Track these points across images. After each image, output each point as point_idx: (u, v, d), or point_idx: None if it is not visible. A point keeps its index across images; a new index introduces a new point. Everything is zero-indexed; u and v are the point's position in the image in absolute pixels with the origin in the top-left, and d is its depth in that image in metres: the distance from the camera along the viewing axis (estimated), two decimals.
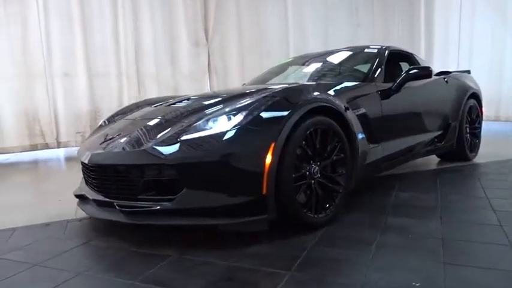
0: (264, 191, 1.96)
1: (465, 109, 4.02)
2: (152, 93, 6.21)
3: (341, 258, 1.84)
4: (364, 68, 3.31)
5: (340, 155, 2.37)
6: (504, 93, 6.88)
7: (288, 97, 2.19)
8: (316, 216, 2.19)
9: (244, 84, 4.28)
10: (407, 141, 3.26)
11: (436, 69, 4.11)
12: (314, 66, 3.79)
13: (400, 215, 2.44)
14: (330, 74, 3.56)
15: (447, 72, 4.17)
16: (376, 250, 1.90)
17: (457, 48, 7.54)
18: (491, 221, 2.27)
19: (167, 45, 6.74)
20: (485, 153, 4.34)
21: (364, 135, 2.68)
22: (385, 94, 3.00)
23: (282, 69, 4.10)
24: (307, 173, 2.19)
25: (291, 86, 2.42)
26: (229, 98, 2.48)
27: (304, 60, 3.99)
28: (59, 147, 5.84)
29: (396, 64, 3.89)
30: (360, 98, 2.77)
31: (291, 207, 2.06)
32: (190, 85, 6.84)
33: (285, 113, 2.08)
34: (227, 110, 2.15)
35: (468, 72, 4.72)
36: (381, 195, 2.93)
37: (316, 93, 2.37)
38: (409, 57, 3.92)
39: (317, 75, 3.56)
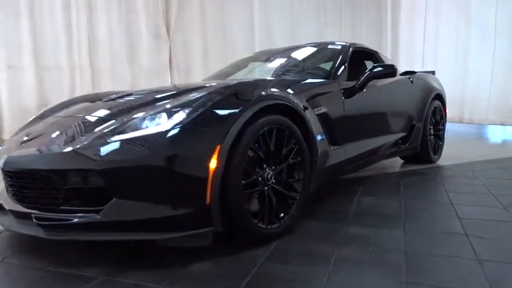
0: (208, 200, 1.71)
1: (429, 110, 3.92)
2: (107, 89, 5.81)
3: (294, 277, 1.61)
4: (327, 65, 3.12)
5: (298, 158, 2.16)
6: (468, 95, 6.92)
7: (239, 93, 1.95)
8: (269, 227, 1.96)
9: (204, 79, 4.01)
10: (372, 143, 3.10)
11: (401, 69, 3.98)
12: (276, 62, 3.56)
13: (361, 224, 2.25)
14: (292, 70, 3.34)
15: (412, 72, 4.05)
16: (333, 267, 1.69)
17: (422, 48, 7.53)
18: (456, 230, 2.11)
19: (125, 39, 6.35)
20: (448, 155, 4.26)
21: (324, 137, 2.48)
22: (348, 93, 2.81)
23: (243, 64, 3.86)
24: (260, 178, 1.96)
25: (243, 80, 2.18)
26: (176, 93, 2.21)
27: (267, 55, 3.77)
28: (1, 145, 5.35)
29: (361, 62, 3.73)
30: (321, 96, 2.57)
31: (240, 217, 1.82)
32: (150, 81, 6.48)
33: (235, 111, 1.84)
34: (168, 106, 1.89)
35: (433, 73, 4.64)
36: (342, 201, 2.74)
37: (272, 90, 2.13)
38: (373, 56, 3.77)
39: (278, 71, 3.34)
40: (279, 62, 3.55)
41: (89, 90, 5.83)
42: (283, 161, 2.09)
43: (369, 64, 3.79)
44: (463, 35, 7.00)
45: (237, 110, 1.84)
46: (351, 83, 2.91)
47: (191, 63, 7.09)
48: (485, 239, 1.97)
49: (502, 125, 6.74)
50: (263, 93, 2.03)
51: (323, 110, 2.51)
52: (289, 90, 2.31)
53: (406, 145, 3.63)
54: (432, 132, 4.03)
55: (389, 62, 3.73)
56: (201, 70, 7.02)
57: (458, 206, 2.54)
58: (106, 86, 5.99)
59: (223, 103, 1.86)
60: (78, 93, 5.72)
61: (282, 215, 2.05)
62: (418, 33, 7.68)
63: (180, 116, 1.77)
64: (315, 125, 2.35)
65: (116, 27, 6.23)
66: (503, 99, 6.62)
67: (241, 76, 3.61)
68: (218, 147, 1.73)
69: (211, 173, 1.70)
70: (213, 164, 1.70)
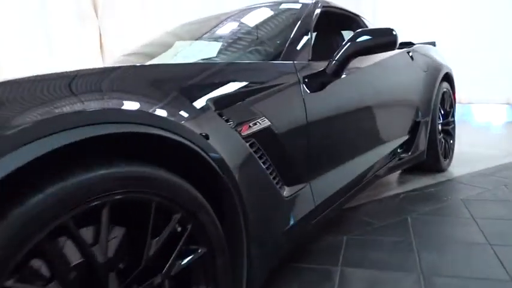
0: None
1: (438, 97, 2.70)
2: None
3: None
4: (277, 38, 1.84)
5: (197, 251, 0.91)
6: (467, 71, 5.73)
7: None
8: None
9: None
10: (357, 165, 1.86)
11: None
12: (205, 37, 2.26)
13: None
14: (227, 47, 2.05)
15: (408, 44, 2.82)
16: None
17: (408, 12, 6.24)
18: None
19: (39, 20, 4.95)
20: (458, 153, 3.10)
21: (268, 177, 1.23)
22: (314, 83, 1.56)
23: (167, 40, 2.54)
24: None
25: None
26: None
27: (195, 27, 2.45)
28: None
29: (334, 32, 2.47)
30: (258, 94, 1.30)
31: None
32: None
33: None
34: None
35: (433, 44, 3.41)
36: (312, 283, 1.50)
37: (108, 100, 0.86)
38: (353, 22, 2.50)
39: (203, 50, 2.05)
40: (208, 36, 2.25)
41: None
42: (156, 269, 0.84)
43: (348, 35, 2.52)
44: None
45: None
46: (319, 65, 1.65)
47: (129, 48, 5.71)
48: None
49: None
50: (68, 110, 0.75)
51: (262, 124, 1.25)
52: (173, 92, 1.03)
53: (409, 154, 2.41)
54: (441, 127, 2.82)
55: None
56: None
57: None
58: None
59: None
60: None
61: None
62: None
63: None
64: (242, 163, 1.10)
65: (28, 6, 4.81)
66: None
67: (162, 59, 2.30)
68: None
69: None
70: None
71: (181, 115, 0.98)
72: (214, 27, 2.27)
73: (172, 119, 0.93)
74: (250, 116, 1.23)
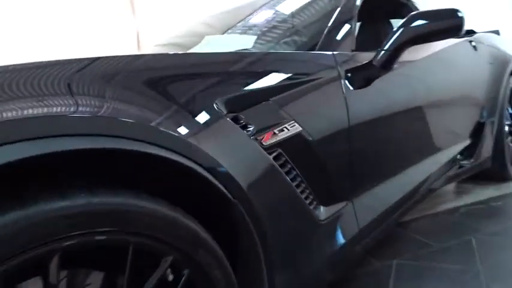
0: None
1: (505, 95, 2.30)
2: None
3: None
4: (314, 25, 1.57)
5: None
6: None
7: None
8: None
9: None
10: (409, 177, 1.55)
11: None
12: (239, 25, 2.02)
13: None
14: (262, 36, 1.79)
15: (469, 33, 2.44)
16: None
17: None
18: None
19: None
20: None
21: (296, 195, 0.97)
22: (358, 77, 1.27)
23: (198, 30, 2.33)
24: None
25: None
26: None
27: (224, 16, 2.22)
28: None
29: (382, 21, 2.15)
30: (286, 92, 1.04)
31: None
32: None
33: None
34: None
35: (497, 33, 2.98)
36: None
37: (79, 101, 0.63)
38: (404, 7, 2.16)
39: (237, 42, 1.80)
40: (242, 24, 2.00)
41: None
42: None
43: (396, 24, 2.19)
44: None
45: None
46: (364, 57, 1.36)
47: None
48: None
49: None
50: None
51: (291, 129, 0.98)
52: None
53: (472, 161, 2.05)
54: (508, 129, 2.42)
55: None
56: None
57: None
58: None
59: None
60: None
61: None
62: None
63: None
64: (261, 181, 0.85)
65: None
66: None
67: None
68: None
69: None
70: None
71: (174, 119, 0.74)
72: (247, 16, 2.02)
73: (164, 129, 0.69)
74: (275, 119, 0.97)
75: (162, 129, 0.68)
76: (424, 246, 1.67)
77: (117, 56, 0.80)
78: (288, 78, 1.08)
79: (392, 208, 1.39)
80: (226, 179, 0.76)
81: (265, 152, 0.90)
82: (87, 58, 0.76)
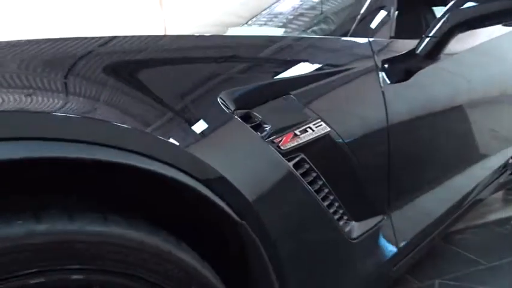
0: None
1: None
2: None
3: None
4: (346, 9, 1.38)
5: None
6: None
7: None
8: None
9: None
10: (456, 185, 1.33)
11: None
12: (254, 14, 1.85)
13: None
14: (290, 21, 1.61)
15: None
16: None
17: None
18: None
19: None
20: None
21: (321, 209, 0.79)
22: (399, 69, 1.08)
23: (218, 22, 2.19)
24: None
25: None
26: None
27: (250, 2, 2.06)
28: None
29: (423, 8, 1.92)
30: (311, 86, 0.86)
31: None
32: None
33: None
34: None
35: None
36: None
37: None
38: None
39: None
40: (267, 12, 1.83)
41: None
42: None
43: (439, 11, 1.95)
44: None
45: None
46: (405, 45, 1.16)
47: None
48: None
49: None
50: None
51: (317, 130, 0.81)
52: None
53: None
54: None
55: None
56: None
57: None
58: None
59: None
60: None
61: None
62: None
63: None
64: (277, 195, 0.68)
65: None
66: None
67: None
68: None
69: None
70: None
71: (164, 120, 0.58)
72: (272, 3, 1.85)
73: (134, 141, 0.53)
74: (297, 118, 0.80)
75: (144, 132, 0.52)
76: (470, 264, 1.45)
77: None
78: (314, 69, 0.91)
79: (436, 222, 1.19)
80: (232, 195, 0.60)
81: (284, 159, 0.74)
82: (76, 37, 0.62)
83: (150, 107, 0.59)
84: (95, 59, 0.61)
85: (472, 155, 1.46)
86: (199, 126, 0.63)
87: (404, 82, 1.07)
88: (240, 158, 0.65)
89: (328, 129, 0.83)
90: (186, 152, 0.58)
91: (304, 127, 0.79)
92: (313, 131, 0.80)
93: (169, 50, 0.74)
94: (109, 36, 0.68)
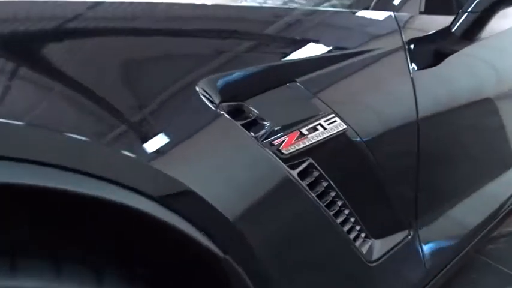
0: None
1: None
2: None
3: None
4: None
5: None
6: None
7: None
8: None
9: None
10: (493, 193, 1.13)
11: None
12: None
13: None
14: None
15: None
16: None
17: None
18: None
19: None
20: None
21: (332, 226, 0.62)
22: (431, 50, 0.88)
23: None
24: None
25: None
26: None
27: None
28: None
29: None
30: (322, 71, 0.68)
31: None
32: None
33: None
34: None
35: None
36: None
37: None
38: None
39: None
40: None
41: None
42: None
43: None
44: None
45: None
46: (438, 21, 0.95)
47: None
48: None
49: None
50: None
51: (329, 128, 0.63)
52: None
53: None
54: None
55: None
56: None
57: None
58: None
59: None
60: None
61: None
62: None
63: None
64: (273, 213, 0.51)
65: None
66: None
67: None
68: None
69: None
70: None
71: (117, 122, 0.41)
72: None
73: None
74: (304, 112, 0.62)
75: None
76: (508, 280, 1.26)
77: None
78: (327, 50, 0.73)
79: (469, 235, 1.01)
80: (213, 222, 0.43)
81: (286, 166, 0.56)
82: None
83: (91, 102, 0.41)
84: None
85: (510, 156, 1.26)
86: (169, 129, 0.46)
87: (437, 67, 0.88)
88: (226, 171, 0.48)
89: (344, 126, 0.65)
90: (147, 167, 0.41)
91: (313, 124, 0.62)
92: (324, 129, 0.62)
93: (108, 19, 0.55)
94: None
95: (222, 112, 0.52)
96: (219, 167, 0.48)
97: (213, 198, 0.45)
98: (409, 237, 0.79)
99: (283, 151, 0.57)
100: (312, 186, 0.61)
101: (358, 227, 0.70)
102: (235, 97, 0.57)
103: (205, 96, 0.51)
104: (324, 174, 0.63)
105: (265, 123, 0.57)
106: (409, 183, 0.79)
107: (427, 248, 0.85)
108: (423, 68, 0.83)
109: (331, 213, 0.63)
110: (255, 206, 0.50)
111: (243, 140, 0.52)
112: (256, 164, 0.53)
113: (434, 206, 0.88)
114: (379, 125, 0.71)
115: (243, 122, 0.55)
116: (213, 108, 0.51)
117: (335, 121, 0.64)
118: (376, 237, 0.74)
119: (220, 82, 0.54)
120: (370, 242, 0.73)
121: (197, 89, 0.50)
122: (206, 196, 0.44)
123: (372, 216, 0.72)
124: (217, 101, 0.53)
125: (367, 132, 0.68)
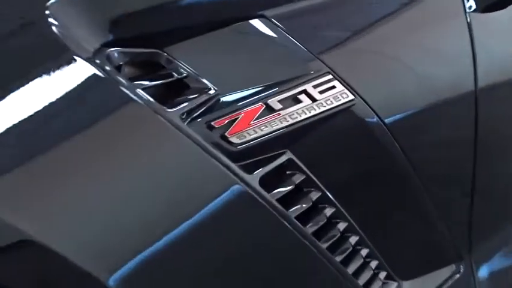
0: None
1: None
2: None
3: None
4: None
5: None
6: None
7: None
8: None
9: None
10: None
11: None
12: None
13: None
14: None
15: None
16: None
17: None
18: None
19: None
20: None
21: (338, 265, 0.36)
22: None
23: None
24: None
25: None
26: None
27: None
28: None
29: None
30: (314, 3, 0.40)
31: None
32: None
33: None
34: None
35: None
36: None
37: None
38: None
39: None
40: None
41: None
42: None
43: None
44: None
45: None
46: None
47: None
48: None
49: None
50: None
51: (333, 101, 0.35)
52: None
53: None
54: None
55: None
56: None
57: None
58: None
59: None
60: None
61: None
62: None
63: None
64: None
65: None
66: None
67: None
68: None
69: None
70: None
71: None
72: None
73: None
74: (276, 70, 0.35)
75: None
76: None
77: None
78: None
79: None
80: None
81: (238, 167, 0.30)
82: None
83: None
84: None
85: None
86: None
87: (503, 10, 0.58)
88: (117, 189, 0.23)
89: (350, 97, 0.37)
90: None
91: (293, 91, 0.35)
92: (314, 100, 0.35)
93: None
94: None
95: (108, 69, 0.26)
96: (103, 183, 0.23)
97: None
98: (459, 273, 0.51)
99: (233, 139, 0.31)
100: (292, 200, 0.35)
101: (374, 263, 0.43)
102: (143, 39, 0.31)
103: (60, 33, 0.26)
104: (312, 177, 0.36)
105: (198, 86, 0.31)
106: (460, 190, 0.50)
107: (483, 285, 0.57)
108: (487, 11, 0.53)
109: (325, 245, 0.37)
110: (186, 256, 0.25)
111: (157, 123, 0.27)
112: (184, 167, 0.27)
113: (498, 225, 0.59)
114: (410, 98, 0.43)
115: (152, 84, 0.29)
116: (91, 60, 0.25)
117: (333, 87, 0.36)
118: (406, 278, 0.46)
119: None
120: (394, 285, 0.45)
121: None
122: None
123: (397, 245, 0.44)
124: (98, 44, 0.27)
125: (389, 108, 0.40)
